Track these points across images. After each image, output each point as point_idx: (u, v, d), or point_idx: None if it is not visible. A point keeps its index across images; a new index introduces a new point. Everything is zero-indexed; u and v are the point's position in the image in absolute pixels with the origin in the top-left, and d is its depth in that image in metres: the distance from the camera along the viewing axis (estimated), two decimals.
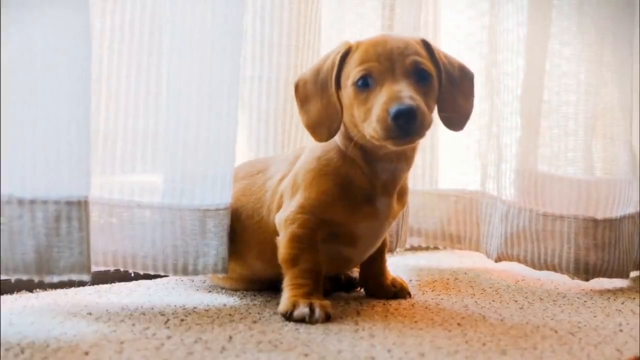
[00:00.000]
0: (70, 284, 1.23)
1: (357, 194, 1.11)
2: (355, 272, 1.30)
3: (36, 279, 0.99)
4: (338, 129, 1.09)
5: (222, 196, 1.16)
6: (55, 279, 1.00)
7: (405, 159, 1.12)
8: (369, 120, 1.03)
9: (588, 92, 1.42)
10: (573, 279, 1.40)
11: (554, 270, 1.40)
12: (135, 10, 1.15)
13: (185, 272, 1.15)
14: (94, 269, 1.21)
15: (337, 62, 1.08)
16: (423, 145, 1.58)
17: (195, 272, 1.16)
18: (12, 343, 0.90)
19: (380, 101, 1.01)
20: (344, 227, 1.12)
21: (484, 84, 1.54)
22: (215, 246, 1.15)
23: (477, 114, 1.55)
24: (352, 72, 1.06)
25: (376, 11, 1.50)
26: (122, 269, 1.16)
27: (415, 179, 1.59)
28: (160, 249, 1.15)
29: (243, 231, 1.18)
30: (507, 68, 1.46)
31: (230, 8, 1.14)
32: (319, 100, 1.10)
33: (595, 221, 1.38)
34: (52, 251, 0.99)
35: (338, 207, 1.10)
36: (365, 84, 1.04)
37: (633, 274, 1.50)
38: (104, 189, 1.15)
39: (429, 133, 1.55)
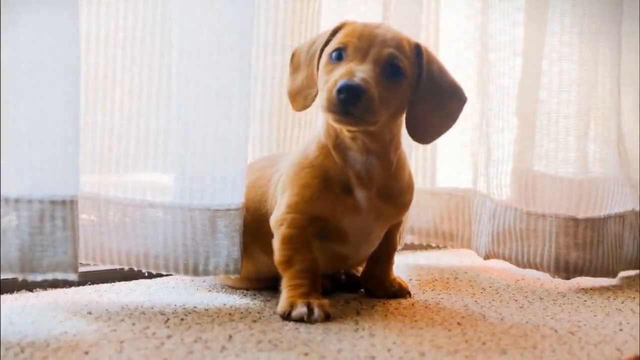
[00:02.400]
0: (70, 284, 1.23)
1: (335, 185, 1.10)
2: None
3: (20, 277, 0.99)
4: (313, 100, 1.10)
5: (233, 196, 1.16)
6: (39, 277, 1.00)
7: (374, 154, 1.11)
8: (322, 90, 1.04)
9: (580, 92, 1.43)
10: (553, 277, 1.40)
11: (536, 268, 1.41)
12: (147, 11, 1.15)
13: (196, 272, 1.15)
14: (105, 267, 1.23)
15: (328, 35, 1.10)
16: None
17: (206, 273, 1.16)
18: (12, 342, 0.90)
19: (336, 74, 1.02)
20: (331, 222, 1.11)
21: (477, 84, 1.54)
22: (226, 246, 1.15)
23: (469, 114, 1.56)
24: (332, 44, 1.07)
25: (377, 9, 1.50)
26: (135, 268, 1.16)
27: (416, 177, 1.58)
28: (171, 249, 1.15)
29: (250, 223, 1.18)
30: (499, 68, 1.46)
31: (239, 8, 1.14)
32: (305, 70, 1.12)
33: (576, 220, 1.38)
34: (36, 250, 0.99)
35: (320, 200, 1.10)
36: (338, 57, 1.06)
37: (628, 272, 1.50)
38: (118, 188, 1.15)
39: None
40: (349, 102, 0.99)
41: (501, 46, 1.45)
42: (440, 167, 1.63)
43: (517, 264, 1.43)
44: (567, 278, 1.39)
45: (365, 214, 1.12)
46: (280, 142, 1.38)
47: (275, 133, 1.38)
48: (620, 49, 1.45)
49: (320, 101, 1.04)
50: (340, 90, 0.99)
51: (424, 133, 1.13)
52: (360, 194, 1.11)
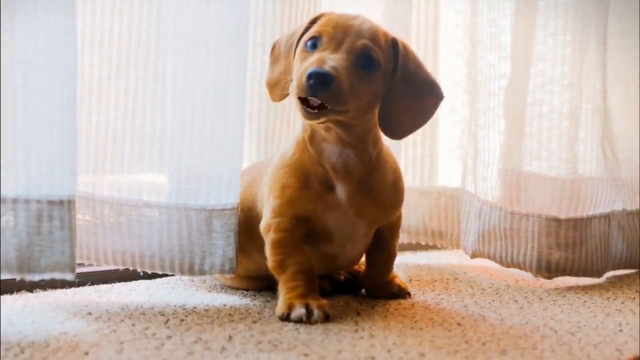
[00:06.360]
0: (70, 284, 1.23)
1: (314, 182, 1.10)
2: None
3: (17, 277, 0.99)
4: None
5: (229, 196, 1.16)
6: (37, 277, 1.00)
7: (350, 146, 1.10)
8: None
9: (567, 93, 1.44)
10: (536, 277, 1.42)
11: (519, 268, 1.42)
12: (143, 11, 1.15)
13: (191, 271, 1.16)
14: (104, 267, 1.24)
15: (305, 25, 1.10)
16: (415, 141, 1.58)
17: (202, 272, 1.16)
18: (12, 342, 0.90)
19: (309, 61, 1.02)
20: (315, 221, 1.11)
21: (466, 89, 1.55)
22: (221, 246, 1.16)
23: (465, 116, 1.56)
24: (307, 33, 1.07)
25: (376, 9, 1.50)
26: (130, 268, 1.17)
27: (406, 176, 1.58)
28: (167, 249, 1.15)
29: (245, 223, 1.18)
30: (488, 70, 1.46)
31: (236, 7, 1.14)
32: (284, 61, 1.12)
33: (558, 220, 1.40)
34: (33, 250, 0.99)
35: (301, 199, 1.10)
36: (313, 46, 1.05)
37: (619, 272, 1.51)
38: (113, 188, 1.15)
39: (419, 131, 1.57)
40: (317, 88, 0.98)
41: (490, 49, 1.46)
42: (429, 166, 1.63)
43: (501, 263, 1.44)
44: (549, 278, 1.41)
45: (346, 209, 1.11)
46: (269, 142, 1.39)
47: (264, 132, 1.38)
48: (606, 49, 1.46)
49: (291, 88, 1.03)
50: (309, 77, 0.98)
51: (396, 128, 1.11)
52: (339, 189, 1.10)
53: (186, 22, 1.14)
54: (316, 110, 1.01)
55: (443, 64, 1.60)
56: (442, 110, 1.59)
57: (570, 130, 1.45)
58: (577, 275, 1.41)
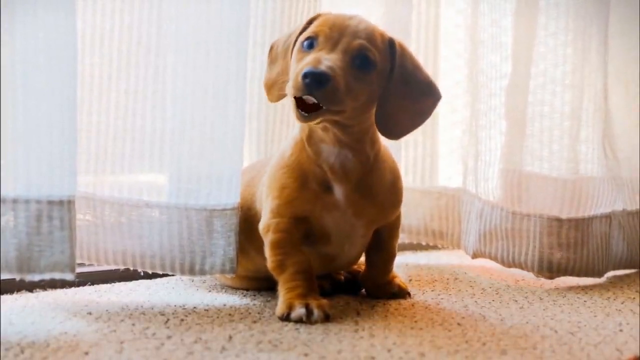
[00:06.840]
0: (70, 284, 1.23)
1: (312, 182, 1.10)
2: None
3: (17, 277, 0.99)
4: None
5: (229, 196, 1.16)
6: (37, 277, 1.00)
7: (348, 146, 1.10)
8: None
9: (567, 93, 1.44)
10: (537, 277, 1.42)
11: (521, 268, 1.43)
12: (143, 11, 1.15)
13: (192, 271, 1.16)
14: (104, 267, 1.24)
15: (302, 25, 1.10)
16: (416, 141, 1.58)
17: (202, 272, 1.17)
18: (12, 343, 0.91)
19: (305, 61, 1.02)
20: (313, 221, 1.11)
21: (467, 89, 1.55)
22: (222, 246, 1.16)
23: (466, 116, 1.56)
24: (304, 33, 1.07)
25: (376, 9, 1.50)
26: (131, 268, 1.17)
27: (407, 176, 1.59)
28: (167, 249, 1.15)
29: (244, 222, 1.18)
30: (490, 70, 1.46)
31: (236, 7, 1.14)
32: (281, 61, 1.12)
33: (559, 220, 1.40)
34: (33, 250, 0.99)
35: (299, 199, 1.10)
36: (309, 46, 1.05)
37: (619, 272, 1.52)
38: (113, 188, 1.16)
39: (420, 131, 1.57)
40: (313, 87, 0.98)
41: (491, 49, 1.46)
42: (430, 166, 1.63)
43: (503, 263, 1.45)
44: (551, 278, 1.41)
45: (344, 210, 1.11)
46: (269, 142, 1.39)
47: (263, 132, 1.39)
48: (607, 48, 1.47)
49: (287, 89, 1.03)
50: (305, 76, 0.98)
51: (394, 128, 1.11)
52: (337, 190, 1.10)
53: (186, 22, 1.14)
54: (310, 114, 1.01)
55: (444, 65, 1.60)
56: (443, 111, 1.60)
57: (572, 130, 1.45)
58: (578, 275, 1.42)
